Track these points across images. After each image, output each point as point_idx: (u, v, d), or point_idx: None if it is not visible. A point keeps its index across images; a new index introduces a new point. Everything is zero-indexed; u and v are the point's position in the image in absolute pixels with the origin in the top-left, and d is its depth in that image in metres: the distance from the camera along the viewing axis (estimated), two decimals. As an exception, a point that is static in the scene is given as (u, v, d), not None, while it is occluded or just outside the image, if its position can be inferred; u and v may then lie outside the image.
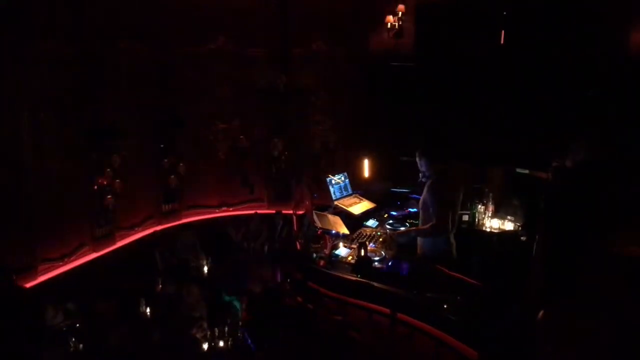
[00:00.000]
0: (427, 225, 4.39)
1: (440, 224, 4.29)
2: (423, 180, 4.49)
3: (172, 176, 6.97)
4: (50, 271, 5.48)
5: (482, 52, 6.27)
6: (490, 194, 5.18)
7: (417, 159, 4.48)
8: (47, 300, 4.80)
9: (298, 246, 4.68)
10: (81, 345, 4.66)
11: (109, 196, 6.02)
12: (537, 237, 4.31)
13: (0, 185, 5.01)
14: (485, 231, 5.12)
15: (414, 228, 4.69)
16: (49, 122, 5.44)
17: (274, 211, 6.88)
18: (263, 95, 6.90)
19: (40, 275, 5.37)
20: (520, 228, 5.05)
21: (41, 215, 5.39)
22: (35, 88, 5.26)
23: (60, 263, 5.60)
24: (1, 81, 4.96)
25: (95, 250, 5.98)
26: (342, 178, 5.33)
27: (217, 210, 7.42)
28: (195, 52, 6.97)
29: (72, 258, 5.72)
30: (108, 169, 6.03)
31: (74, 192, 5.76)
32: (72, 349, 4.51)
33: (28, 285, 5.20)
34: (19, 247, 5.17)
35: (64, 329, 4.76)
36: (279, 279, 5.22)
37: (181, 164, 7.03)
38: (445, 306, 3.69)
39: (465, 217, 5.10)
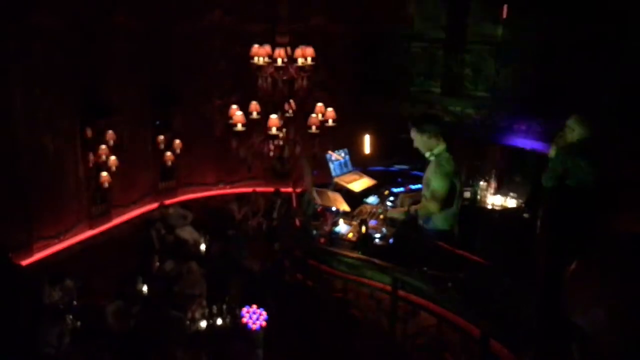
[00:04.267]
0: (422, 203, 4.35)
1: (435, 200, 4.23)
2: (430, 158, 4.42)
3: (169, 153, 6.88)
4: (47, 249, 5.42)
5: (483, 27, 6.19)
6: (493, 171, 5.12)
7: (412, 136, 4.40)
8: (44, 278, 4.75)
9: (298, 223, 4.62)
10: (79, 323, 4.63)
11: (104, 173, 5.93)
12: (540, 214, 4.26)
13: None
14: (487, 208, 5.07)
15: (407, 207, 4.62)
16: (43, 98, 5.33)
17: (272, 189, 6.80)
18: (261, 72, 6.78)
19: (36, 253, 5.31)
20: (523, 205, 5.01)
21: (37, 192, 5.31)
22: (28, 64, 5.13)
23: (56, 240, 5.54)
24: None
25: (91, 228, 5.91)
26: (343, 154, 5.24)
27: (214, 188, 7.34)
28: (191, 28, 6.82)
29: (68, 235, 5.66)
30: (103, 146, 5.94)
31: (69, 169, 5.68)
32: (69, 327, 4.46)
33: (24, 262, 5.14)
34: (14, 225, 5.11)
35: (61, 306, 4.71)
36: (278, 257, 5.16)
37: (177, 141, 6.93)
38: (448, 283, 3.65)
39: (467, 194, 5.03)
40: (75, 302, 4.87)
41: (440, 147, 4.28)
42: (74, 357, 4.19)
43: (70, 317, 4.62)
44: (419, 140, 4.35)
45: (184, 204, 6.86)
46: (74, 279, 5.03)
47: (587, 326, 1.63)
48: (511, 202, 5.08)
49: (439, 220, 4.35)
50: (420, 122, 4.38)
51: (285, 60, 5.63)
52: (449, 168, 4.23)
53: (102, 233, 6.00)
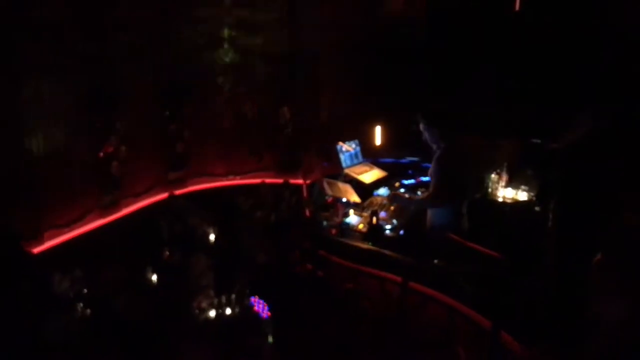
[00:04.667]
0: (423, 195, 4.35)
1: (434, 194, 4.23)
2: (437, 150, 4.40)
3: (178, 144, 6.87)
4: (57, 237, 5.43)
5: (496, 18, 6.12)
6: (505, 163, 5.08)
7: (421, 128, 4.39)
8: (54, 266, 4.77)
9: (307, 214, 4.62)
10: (88, 311, 4.64)
11: (114, 162, 5.94)
12: (552, 208, 4.23)
13: (6, 153, 4.92)
14: (498, 201, 5.04)
15: (411, 197, 4.62)
16: (53, 88, 5.32)
17: (281, 180, 6.79)
18: (270, 62, 6.77)
19: (46, 242, 5.33)
20: (534, 198, 4.97)
21: (47, 182, 5.32)
22: (37, 54, 5.12)
23: (66, 229, 5.55)
24: (2, 48, 4.83)
25: (101, 217, 5.92)
26: (353, 145, 5.23)
27: (223, 179, 7.33)
28: (199, 16, 6.79)
29: (78, 224, 5.67)
30: (113, 136, 5.94)
31: (79, 158, 5.68)
32: (79, 315, 4.48)
33: (35, 251, 5.16)
34: (25, 214, 5.12)
35: (71, 294, 4.74)
36: (287, 248, 5.17)
37: (187, 132, 6.92)
38: (459, 275, 3.64)
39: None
40: (85, 291, 4.90)
41: (448, 142, 4.27)
42: (83, 346, 4.21)
43: (80, 305, 4.64)
44: (427, 133, 4.34)
45: (193, 195, 6.88)
46: (84, 267, 5.06)
47: (610, 316, 1.62)
48: (522, 195, 5.05)
49: (436, 215, 4.34)
50: (429, 116, 4.37)
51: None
52: (450, 164, 4.21)
53: (111, 222, 6.00)
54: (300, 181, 6.15)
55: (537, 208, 4.85)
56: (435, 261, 3.89)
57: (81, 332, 4.30)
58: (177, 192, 6.70)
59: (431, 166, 4.32)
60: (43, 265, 4.97)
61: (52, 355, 3.96)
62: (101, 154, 5.90)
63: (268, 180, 7.04)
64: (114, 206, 6.11)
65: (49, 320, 4.28)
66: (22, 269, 4.74)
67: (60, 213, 5.52)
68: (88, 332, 4.31)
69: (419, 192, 4.92)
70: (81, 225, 5.72)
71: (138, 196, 6.51)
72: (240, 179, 7.37)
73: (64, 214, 5.56)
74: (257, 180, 7.11)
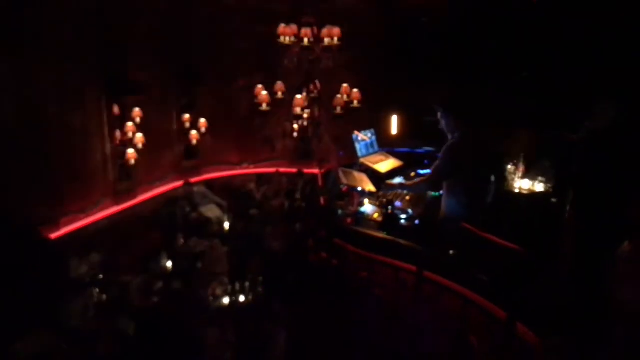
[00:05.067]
0: (419, 179, 4.35)
1: (432, 178, 4.23)
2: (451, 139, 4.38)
3: (193, 132, 6.90)
4: (73, 223, 5.49)
5: (516, 8, 6.05)
6: (522, 154, 5.04)
7: (439, 116, 4.37)
8: (71, 252, 4.82)
9: (322, 202, 4.62)
10: (104, 297, 4.69)
11: (130, 150, 5.98)
12: (569, 199, 4.20)
13: (24, 140, 4.97)
14: (514, 192, 4.99)
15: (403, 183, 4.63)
16: (71, 75, 5.36)
17: (295, 170, 6.80)
18: (286, 52, 6.74)
19: (63, 227, 5.39)
20: (551, 190, 4.92)
21: (64, 168, 5.37)
22: (57, 42, 5.16)
23: (83, 215, 5.61)
24: (24, 35, 4.87)
25: (117, 204, 5.98)
26: (369, 135, 5.21)
27: (237, 168, 7.36)
28: (214, 6, 6.79)
29: (94, 211, 5.72)
30: (130, 124, 5.98)
31: (96, 146, 5.73)
32: (94, 300, 4.53)
33: (52, 236, 5.22)
34: (43, 200, 5.17)
35: (87, 280, 4.79)
36: (302, 236, 5.17)
37: (202, 120, 6.95)
38: (474, 265, 3.62)
39: (493, 178, 4.94)
40: (101, 276, 4.95)
41: (463, 132, 4.24)
42: (99, 331, 4.26)
43: (96, 290, 4.69)
44: (444, 122, 4.32)
45: (208, 183, 6.91)
46: (100, 253, 5.11)
47: (633, 303, 1.61)
48: (539, 187, 5.00)
49: (450, 205, 4.33)
50: (447, 103, 4.35)
51: (312, 40, 5.57)
52: (461, 153, 4.19)
53: (127, 209, 6.06)
54: (314, 170, 6.15)
55: (553, 199, 4.80)
56: (451, 252, 3.87)
57: (97, 316, 4.37)
58: (193, 180, 6.73)
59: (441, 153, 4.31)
60: (60, 250, 5.02)
61: (69, 339, 4.01)
62: (117, 142, 5.95)
63: (282, 170, 7.07)
64: (130, 193, 6.17)
65: (65, 304, 4.33)
66: (41, 254, 4.80)
67: (76, 200, 5.58)
68: (103, 317, 4.37)
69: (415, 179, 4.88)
70: (97, 212, 5.78)
71: (153, 183, 6.56)
72: (254, 167, 7.39)
73: (80, 200, 5.62)
74: (271, 169, 7.14)
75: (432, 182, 4.30)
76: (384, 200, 4.35)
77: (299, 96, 6.61)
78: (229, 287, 4.75)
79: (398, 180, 4.76)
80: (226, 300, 4.65)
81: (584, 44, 5.66)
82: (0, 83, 4.75)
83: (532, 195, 4.96)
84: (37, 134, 5.06)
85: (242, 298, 4.70)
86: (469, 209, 4.27)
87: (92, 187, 5.75)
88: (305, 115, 6.40)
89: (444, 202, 4.40)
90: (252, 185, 6.81)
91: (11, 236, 4.61)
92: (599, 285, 3.20)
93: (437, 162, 4.27)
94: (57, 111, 5.25)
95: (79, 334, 4.12)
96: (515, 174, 5.07)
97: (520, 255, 3.80)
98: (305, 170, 6.61)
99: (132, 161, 6.02)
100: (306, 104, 6.80)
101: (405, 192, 4.62)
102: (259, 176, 7.10)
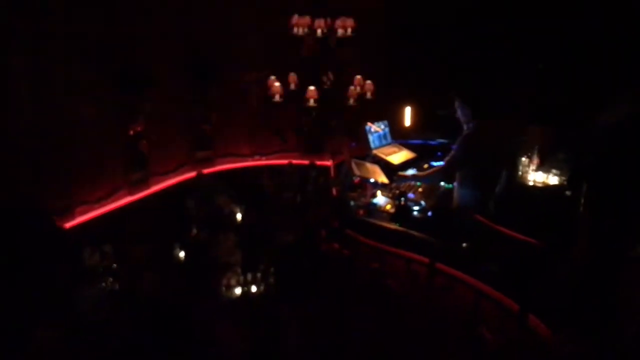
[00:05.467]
0: (431, 170, 4.35)
1: (445, 168, 4.22)
2: (467, 130, 4.37)
3: (205, 124, 6.91)
4: (87, 213, 5.53)
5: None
6: (536, 147, 4.99)
7: (455, 105, 4.35)
8: (84, 241, 4.87)
9: (335, 193, 4.63)
10: (117, 286, 4.73)
11: (143, 141, 6.01)
12: (584, 193, 4.16)
13: (38, 131, 5.01)
14: (528, 185, 4.95)
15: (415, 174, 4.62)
16: (84, 67, 5.38)
17: (307, 162, 6.79)
18: (298, 43, 6.72)
19: (77, 217, 5.43)
20: (565, 183, 4.88)
21: (78, 159, 5.41)
22: (69, 34, 5.18)
23: (96, 206, 5.65)
24: (34, 27, 4.89)
25: (130, 194, 6.01)
26: (382, 126, 5.19)
27: (249, 159, 7.37)
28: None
29: (107, 201, 5.77)
30: (142, 114, 6.00)
31: (109, 137, 5.76)
32: (108, 289, 4.57)
33: (66, 226, 5.27)
34: (57, 190, 5.22)
35: (100, 269, 4.83)
36: (313, 227, 5.18)
37: (214, 112, 6.96)
38: (486, 257, 3.61)
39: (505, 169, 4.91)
40: (114, 266, 4.99)
41: (478, 122, 4.23)
42: (112, 320, 4.30)
43: (110, 280, 4.74)
44: (460, 111, 4.31)
45: (220, 174, 6.93)
46: (113, 243, 5.15)
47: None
48: (553, 180, 4.95)
49: (463, 197, 4.32)
50: (463, 94, 4.33)
51: (325, 31, 5.55)
52: (476, 144, 4.18)
53: (140, 200, 6.09)
54: (326, 162, 6.14)
55: (568, 193, 4.75)
56: (464, 245, 3.86)
57: (110, 306, 4.41)
58: (205, 171, 6.76)
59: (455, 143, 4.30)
60: (74, 240, 5.07)
61: (82, 328, 4.06)
62: (130, 132, 5.98)
63: (294, 161, 7.06)
64: (143, 184, 6.20)
65: (79, 293, 4.38)
66: (55, 243, 4.85)
67: (90, 190, 5.63)
68: (117, 307, 4.41)
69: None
70: (110, 202, 5.82)
71: (166, 174, 6.59)
72: (266, 159, 7.39)
73: (94, 190, 5.67)
74: (284, 161, 7.14)
75: (446, 173, 4.30)
76: (397, 191, 4.34)
77: (311, 88, 6.62)
78: (241, 278, 4.78)
79: (411, 171, 4.75)
80: (238, 291, 4.68)
81: (604, 36, 5.59)
82: (15, 75, 4.79)
83: (546, 188, 4.91)
84: (51, 124, 5.10)
85: (254, 289, 4.73)
86: (481, 200, 4.26)
87: (105, 177, 5.78)
88: (317, 107, 6.39)
89: (456, 194, 4.40)
90: (263, 177, 6.83)
91: (26, 225, 4.67)
92: (612, 280, 3.18)
93: (451, 153, 4.26)
94: (71, 102, 5.27)
95: (92, 323, 4.18)
96: (529, 166, 5.02)
97: (534, 248, 3.79)
98: (318, 162, 6.60)
99: (146, 152, 6.06)
100: (317, 95, 6.80)
101: (418, 183, 4.61)
102: (271, 168, 7.12)
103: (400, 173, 4.69)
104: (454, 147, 4.29)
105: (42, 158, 5.04)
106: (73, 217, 5.39)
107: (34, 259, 4.40)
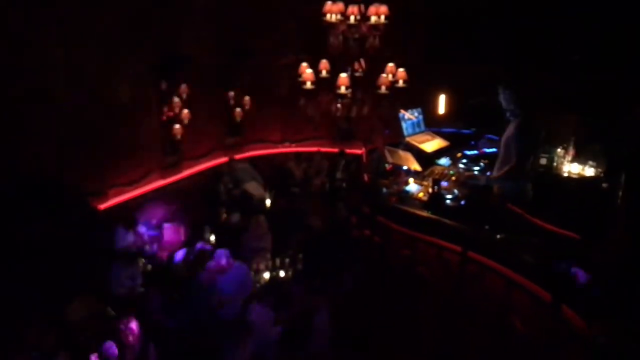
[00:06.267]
0: (503, 170, 4.27)
1: (520, 164, 4.14)
2: (510, 118, 4.31)
3: (238, 109, 6.95)
4: (121, 195, 5.63)
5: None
6: (572, 138, 4.89)
7: (501, 93, 4.29)
8: (118, 222, 4.96)
9: (366, 179, 4.62)
10: (149, 266, 4.82)
11: (177, 126, 6.07)
12: (621, 184, 4.08)
13: (75, 116, 5.10)
14: (563, 176, 4.85)
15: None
16: (120, 51, 5.46)
17: (337, 150, 6.80)
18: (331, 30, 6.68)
19: (111, 199, 5.53)
20: (602, 174, 4.77)
21: (113, 143, 5.49)
22: (105, 19, 5.24)
23: (130, 188, 5.74)
24: (74, 16, 4.98)
25: (162, 178, 6.09)
26: (416, 114, 5.15)
27: (279, 146, 7.40)
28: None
29: (141, 184, 5.85)
30: (176, 99, 6.06)
31: (143, 121, 5.83)
32: (141, 269, 4.65)
33: (101, 207, 5.37)
34: (92, 172, 5.31)
35: (134, 250, 4.92)
36: (344, 214, 5.18)
37: (247, 98, 6.99)
38: (520, 248, 3.57)
39: (543, 161, 4.81)
40: (147, 247, 5.08)
41: (525, 111, 4.19)
42: (146, 298, 4.39)
43: (143, 260, 4.82)
44: (504, 96, 4.27)
45: (251, 160, 6.97)
46: (146, 225, 5.24)
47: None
48: (589, 171, 4.85)
49: (505, 185, 4.27)
50: (508, 82, 4.29)
51: (358, 18, 5.50)
52: (529, 132, 4.13)
53: (172, 183, 6.17)
54: (355, 150, 6.12)
55: (604, 184, 4.65)
56: (498, 236, 3.82)
57: (143, 285, 4.49)
58: (236, 157, 6.81)
59: (506, 136, 4.24)
60: (108, 221, 5.16)
61: (116, 305, 4.14)
62: (164, 118, 6.04)
63: (323, 149, 7.07)
64: (175, 167, 6.28)
65: (114, 272, 4.47)
66: (91, 224, 4.95)
67: (124, 173, 5.72)
68: (148, 286, 4.49)
69: (481, 164, 4.82)
70: (144, 185, 5.91)
71: (198, 159, 6.66)
72: (296, 146, 7.41)
73: (127, 174, 5.76)
74: (313, 148, 7.15)
75: (510, 163, 4.22)
76: (430, 179, 4.32)
77: (343, 75, 6.59)
78: (270, 263, 4.81)
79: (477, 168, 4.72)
80: (267, 275, 4.72)
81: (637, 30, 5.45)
82: (52, 61, 4.88)
83: (582, 179, 4.82)
84: (87, 109, 5.18)
85: (282, 274, 4.76)
86: (524, 189, 4.23)
87: (139, 161, 5.86)
88: (349, 95, 6.37)
89: (500, 184, 4.35)
90: (292, 164, 6.85)
91: (63, 207, 4.77)
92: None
93: (509, 144, 4.18)
94: (107, 87, 5.35)
95: (126, 301, 4.27)
96: (564, 157, 4.92)
97: (569, 239, 3.73)
98: (348, 150, 6.60)
99: (179, 136, 6.12)
100: (350, 82, 6.76)
101: (451, 172, 4.58)
102: (300, 154, 7.14)
103: (468, 173, 4.61)
104: (508, 141, 4.21)
105: (77, 142, 5.11)
106: (107, 199, 5.49)
107: (69, 239, 4.51)
